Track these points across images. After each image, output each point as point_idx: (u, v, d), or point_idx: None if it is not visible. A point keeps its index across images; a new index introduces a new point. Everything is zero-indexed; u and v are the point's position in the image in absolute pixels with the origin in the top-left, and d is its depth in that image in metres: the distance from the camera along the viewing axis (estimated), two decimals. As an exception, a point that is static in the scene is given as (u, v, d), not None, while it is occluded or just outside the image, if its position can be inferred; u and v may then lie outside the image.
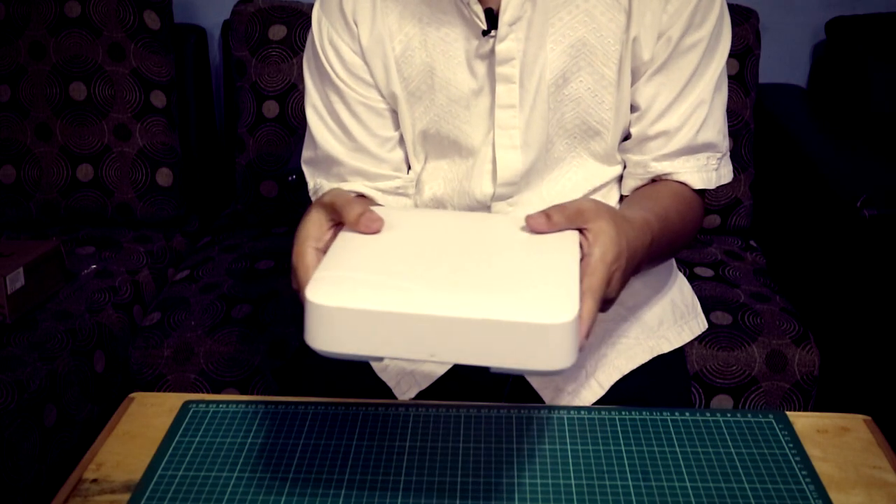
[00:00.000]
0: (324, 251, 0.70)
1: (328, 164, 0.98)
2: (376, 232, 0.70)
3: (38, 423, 1.38)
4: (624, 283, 0.72)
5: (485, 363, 0.60)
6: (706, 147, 0.92)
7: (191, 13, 2.12)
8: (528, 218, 0.71)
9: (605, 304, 0.70)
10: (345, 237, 0.70)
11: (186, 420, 0.83)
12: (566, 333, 0.59)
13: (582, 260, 0.69)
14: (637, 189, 0.95)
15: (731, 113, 1.82)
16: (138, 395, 0.87)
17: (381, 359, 0.61)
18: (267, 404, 0.85)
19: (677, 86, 0.90)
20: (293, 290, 0.70)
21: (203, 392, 1.53)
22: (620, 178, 0.97)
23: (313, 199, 1.00)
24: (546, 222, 0.70)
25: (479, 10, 0.87)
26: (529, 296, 0.61)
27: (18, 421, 1.34)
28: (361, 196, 0.97)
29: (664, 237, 0.83)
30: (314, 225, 0.72)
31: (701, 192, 0.94)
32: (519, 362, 0.59)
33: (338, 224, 0.72)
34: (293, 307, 1.60)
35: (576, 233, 0.70)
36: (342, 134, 0.96)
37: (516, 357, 0.59)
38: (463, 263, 0.66)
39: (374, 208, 0.73)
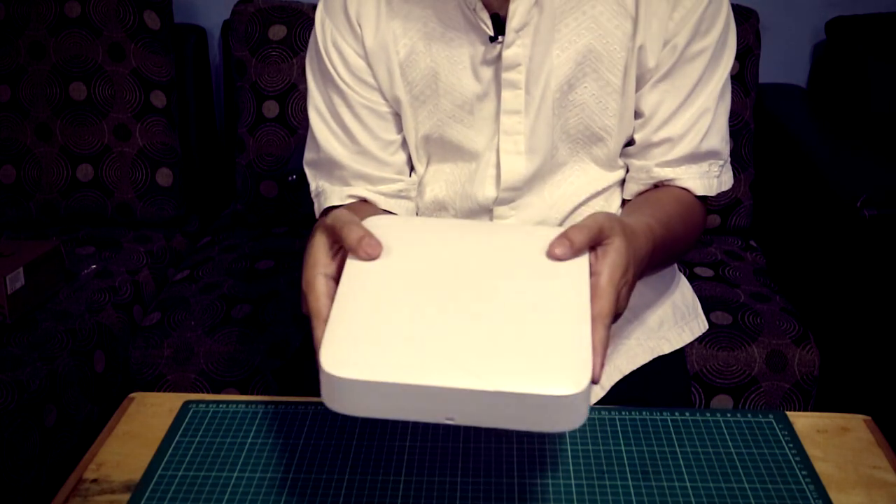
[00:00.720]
0: (333, 276, 0.69)
1: (330, 166, 0.98)
2: (376, 257, 0.69)
3: (38, 423, 1.38)
4: (630, 294, 0.72)
5: (501, 426, 0.60)
6: (710, 155, 0.92)
7: (191, 13, 2.12)
8: (552, 246, 0.69)
9: (615, 319, 0.69)
10: (352, 272, 0.68)
11: (186, 420, 0.83)
12: (580, 401, 0.60)
13: (591, 277, 0.68)
14: (639, 194, 0.94)
15: (732, 113, 1.81)
16: (138, 395, 0.87)
17: (399, 420, 0.62)
18: (267, 404, 0.85)
19: (682, 93, 0.89)
20: (303, 314, 0.70)
21: (203, 392, 1.53)
22: (622, 183, 0.97)
23: (315, 201, 1.00)
24: (570, 248, 0.68)
25: (485, 16, 0.87)
26: (544, 363, 0.61)
27: (18, 421, 1.34)
28: (364, 201, 0.97)
29: (667, 243, 0.83)
30: (320, 251, 0.70)
31: (703, 198, 0.94)
32: (534, 426, 0.60)
33: (342, 247, 0.71)
34: (293, 307, 1.60)
35: (586, 258, 0.69)
36: (345, 136, 0.96)
37: (532, 422, 0.60)
38: (474, 311, 0.65)
39: (374, 224, 0.72)
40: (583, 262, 0.69)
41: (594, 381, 0.61)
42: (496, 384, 0.59)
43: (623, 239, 0.69)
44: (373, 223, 0.73)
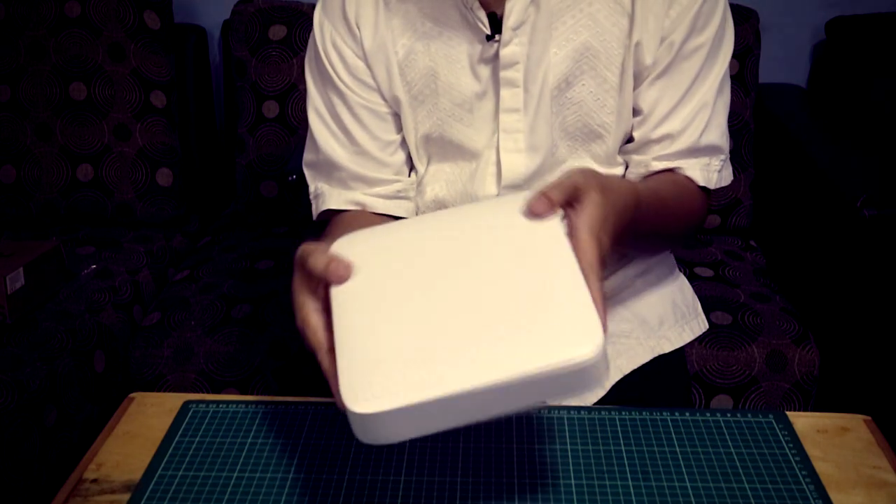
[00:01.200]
0: (323, 311, 0.69)
1: (329, 168, 0.98)
2: (347, 278, 0.69)
3: (38, 423, 1.38)
4: (613, 239, 0.71)
5: (528, 405, 0.61)
6: (709, 150, 0.92)
7: (191, 13, 2.12)
8: (532, 207, 0.69)
9: (604, 266, 0.69)
10: (338, 300, 0.68)
11: (186, 420, 0.83)
12: (600, 358, 0.60)
13: (571, 234, 0.68)
14: None
15: (731, 113, 1.80)
16: (138, 395, 0.87)
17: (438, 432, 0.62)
18: (267, 404, 0.85)
19: (680, 90, 0.90)
20: (308, 351, 0.70)
21: (203, 392, 1.53)
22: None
23: (313, 203, 1.00)
24: (550, 205, 0.69)
25: (482, 14, 0.87)
26: (555, 333, 0.61)
27: (18, 421, 1.34)
28: (356, 210, 0.97)
29: (654, 207, 0.83)
30: (301, 292, 0.70)
31: (705, 192, 0.94)
32: (564, 393, 0.61)
33: (318, 279, 0.70)
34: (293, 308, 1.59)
35: (558, 220, 0.69)
36: (344, 137, 0.96)
37: (560, 391, 0.61)
38: (469, 304, 0.65)
39: (342, 244, 0.72)
40: (556, 224, 0.69)
41: (604, 331, 0.61)
42: (519, 369, 0.59)
43: (598, 191, 0.69)
44: (340, 244, 0.72)
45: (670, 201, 0.89)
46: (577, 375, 0.60)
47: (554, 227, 0.69)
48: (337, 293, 0.68)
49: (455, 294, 0.66)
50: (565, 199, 0.69)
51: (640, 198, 0.78)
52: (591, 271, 0.65)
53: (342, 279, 0.69)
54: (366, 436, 0.61)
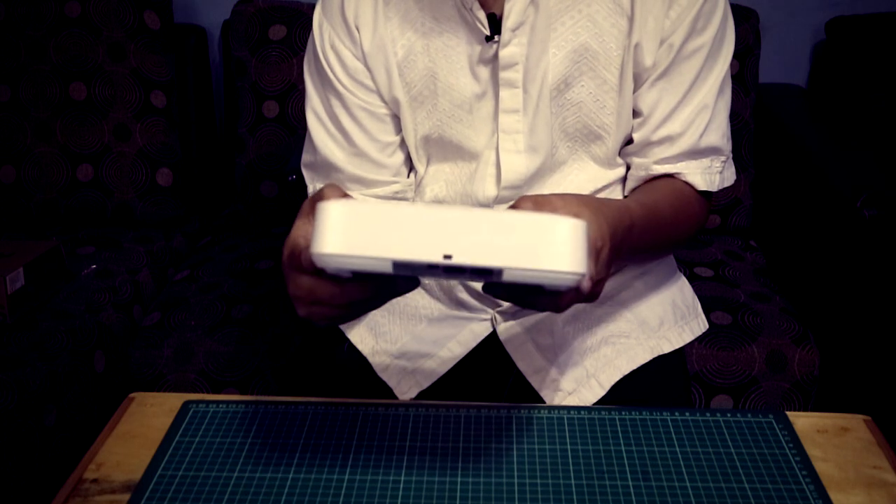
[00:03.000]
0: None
1: (327, 170, 0.98)
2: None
3: (38, 423, 1.38)
4: (608, 268, 0.71)
5: (497, 264, 0.58)
6: (710, 151, 0.92)
7: (191, 13, 2.12)
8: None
9: (596, 285, 0.68)
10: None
11: (186, 420, 0.83)
12: (578, 232, 0.58)
13: None
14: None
15: (732, 113, 1.81)
16: (138, 395, 0.87)
17: (388, 270, 0.58)
18: (267, 404, 0.85)
19: (680, 91, 0.89)
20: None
21: (203, 392, 1.53)
22: (623, 180, 0.97)
23: None
24: None
25: (482, 15, 0.87)
26: (539, 221, 0.59)
27: (18, 421, 1.34)
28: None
29: (649, 226, 0.83)
30: (301, 227, 0.69)
31: (705, 195, 0.94)
32: (532, 262, 0.57)
33: None
34: (293, 307, 1.59)
35: None
36: (342, 139, 0.96)
37: (529, 256, 0.57)
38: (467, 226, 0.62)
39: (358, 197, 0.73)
40: None
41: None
42: (496, 212, 0.58)
43: (591, 212, 0.69)
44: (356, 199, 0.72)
45: (668, 214, 0.89)
46: (553, 240, 0.57)
47: None
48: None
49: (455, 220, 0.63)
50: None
51: (634, 217, 0.78)
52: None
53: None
54: (323, 243, 0.58)
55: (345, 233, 0.58)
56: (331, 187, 0.68)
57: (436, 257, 0.57)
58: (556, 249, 0.58)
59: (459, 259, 0.57)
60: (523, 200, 0.68)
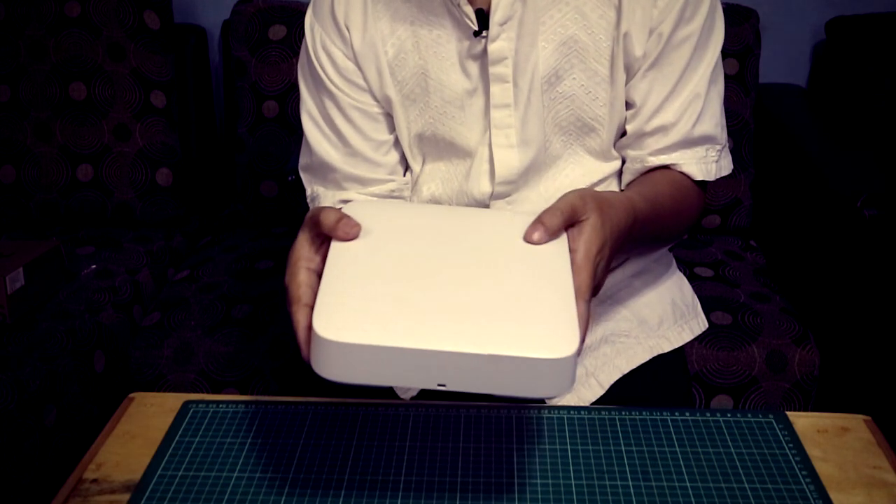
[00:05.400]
0: (316, 271, 0.70)
1: (324, 170, 0.98)
2: (354, 237, 0.70)
3: (38, 423, 1.38)
4: (608, 267, 0.74)
5: (490, 391, 0.62)
6: (704, 140, 0.92)
7: (191, 13, 2.12)
8: (528, 232, 0.72)
9: (594, 292, 0.72)
10: (337, 251, 0.69)
11: (186, 420, 0.83)
12: (567, 366, 0.61)
13: (571, 250, 0.71)
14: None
15: (732, 113, 1.82)
16: (138, 395, 0.87)
17: (389, 386, 0.63)
18: (267, 404, 0.85)
19: (671, 81, 0.90)
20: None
21: (203, 392, 1.53)
22: (619, 174, 0.97)
23: (311, 205, 1.01)
24: (545, 233, 0.71)
25: (469, 10, 0.87)
26: (532, 328, 0.63)
27: (18, 421, 1.34)
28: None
29: (652, 218, 0.84)
30: (302, 246, 0.72)
31: (702, 185, 0.94)
32: (523, 391, 0.62)
33: (324, 239, 0.72)
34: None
35: (564, 237, 0.72)
36: (337, 139, 0.96)
37: (521, 386, 0.61)
38: (461, 284, 0.67)
39: (353, 207, 0.74)
40: (562, 240, 0.72)
41: (577, 353, 0.63)
42: (488, 348, 0.61)
43: (598, 215, 0.72)
44: (352, 207, 0.74)
45: (668, 205, 0.89)
46: (541, 375, 0.61)
47: (559, 243, 0.72)
48: (335, 247, 0.70)
49: (450, 274, 0.68)
50: (564, 223, 0.72)
51: (637, 212, 0.80)
52: (581, 294, 0.67)
53: (349, 236, 0.70)
54: (323, 367, 0.62)
55: (344, 365, 0.62)
56: (327, 210, 0.71)
57: (429, 385, 0.62)
58: (546, 382, 0.62)
59: (453, 387, 0.62)
60: (549, 216, 0.72)
